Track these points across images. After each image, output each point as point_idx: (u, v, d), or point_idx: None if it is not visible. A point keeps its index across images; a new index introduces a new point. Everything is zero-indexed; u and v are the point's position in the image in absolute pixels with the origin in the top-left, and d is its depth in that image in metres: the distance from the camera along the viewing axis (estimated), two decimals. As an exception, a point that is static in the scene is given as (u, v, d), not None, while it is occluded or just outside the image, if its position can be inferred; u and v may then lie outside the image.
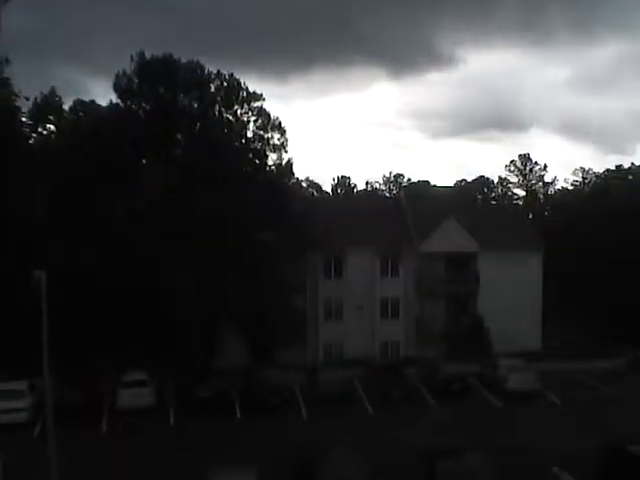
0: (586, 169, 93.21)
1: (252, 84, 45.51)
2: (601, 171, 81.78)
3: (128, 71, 43.38)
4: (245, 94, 44.38)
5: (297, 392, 39.65)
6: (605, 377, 42.32)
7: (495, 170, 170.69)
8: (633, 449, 22.91)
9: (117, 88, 43.64)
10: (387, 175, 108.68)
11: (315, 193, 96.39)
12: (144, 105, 44.05)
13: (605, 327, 57.60)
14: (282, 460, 24.92)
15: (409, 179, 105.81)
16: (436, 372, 40.40)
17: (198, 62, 43.86)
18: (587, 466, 24.41)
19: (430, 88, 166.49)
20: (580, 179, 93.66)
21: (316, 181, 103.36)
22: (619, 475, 22.53)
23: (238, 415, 36.10)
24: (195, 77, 43.70)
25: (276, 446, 29.05)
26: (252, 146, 45.11)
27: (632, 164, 76.39)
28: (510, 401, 37.45)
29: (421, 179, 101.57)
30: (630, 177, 73.69)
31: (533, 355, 46.79)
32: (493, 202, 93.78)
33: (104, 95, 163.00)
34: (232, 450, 28.65)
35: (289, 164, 45.94)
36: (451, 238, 51.06)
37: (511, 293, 50.95)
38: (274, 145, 44.97)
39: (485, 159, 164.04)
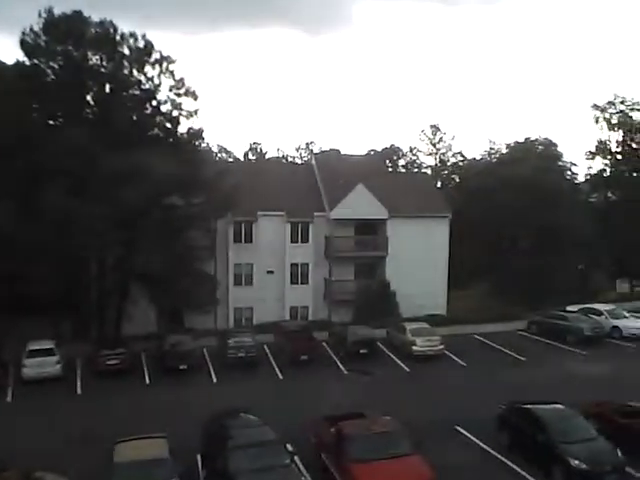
0: (494, 140, 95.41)
1: (159, 44, 44.37)
2: (510, 142, 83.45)
3: (35, 28, 41.77)
4: (160, 56, 43.38)
5: (207, 357, 39.72)
6: (507, 340, 44.00)
7: (406, 139, 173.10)
8: (527, 405, 24.96)
9: (24, 45, 41.96)
10: (299, 142, 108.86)
11: (226, 158, 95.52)
12: (52, 64, 42.55)
13: (508, 291, 59.71)
14: (191, 426, 24.98)
15: (320, 147, 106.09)
16: (345, 336, 40.95)
17: (111, 21, 42.49)
18: (488, 421, 25.86)
19: (342, 49, 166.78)
20: (488, 149, 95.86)
21: (227, 147, 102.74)
22: (512, 426, 24.73)
23: (147, 381, 35.93)
24: (106, 36, 42.36)
25: (185, 412, 29.09)
26: (163, 109, 44.30)
27: (539, 136, 78.42)
28: (417, 364, 38.50)
29: (332, 147, 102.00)
30: (538, 148, 75.50)
31: (439, 319, 48.14)
32: (403, 170, 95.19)
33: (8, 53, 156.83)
34: (141, 416, 28.51)
35: (200, 129, 45.25)
36: (361, 205, 51.71)
37: (419, 259, 52.36)
38: (186, 110, 44.22)
39: (396, 128, 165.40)
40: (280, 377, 36.59)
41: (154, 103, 44.02)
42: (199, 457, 23.25)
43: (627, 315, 46.45)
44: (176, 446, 21.60)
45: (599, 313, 46.19)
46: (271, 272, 51.50)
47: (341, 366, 38.42)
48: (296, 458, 21.73)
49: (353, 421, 22.97)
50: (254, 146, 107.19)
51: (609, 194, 72.10)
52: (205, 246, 45.53)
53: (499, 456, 23.98)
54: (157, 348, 38.88)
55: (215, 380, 36.05)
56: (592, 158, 71.57)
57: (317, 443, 23.72)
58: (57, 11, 41.91)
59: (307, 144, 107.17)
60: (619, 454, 21.86)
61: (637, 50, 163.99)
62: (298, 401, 31.01)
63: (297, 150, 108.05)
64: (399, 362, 39.22)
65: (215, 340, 41.66)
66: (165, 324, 44.58)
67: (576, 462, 21.10)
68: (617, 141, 70.07)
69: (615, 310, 47.05)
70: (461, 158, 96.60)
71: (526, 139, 75.22)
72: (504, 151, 78.84)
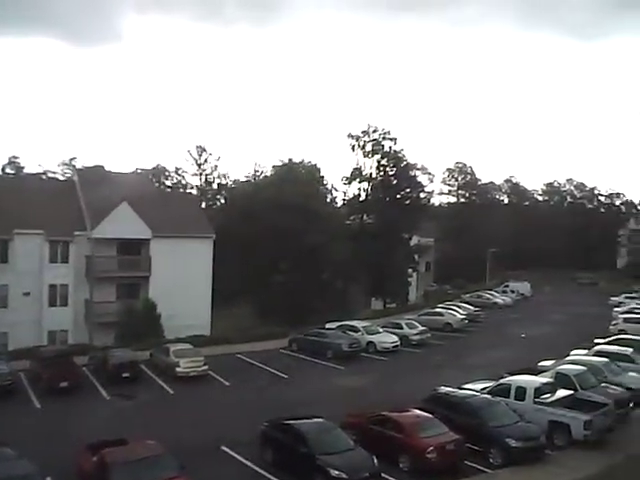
0: (259, 162, 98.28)
1: None
2: (274, 164, 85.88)
3: None
4: None
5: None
6: (270, 358, 45.13)
7: (172, 159, 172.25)
8: (289, 421, 25.78)
9: None
10: (61, 158, 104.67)
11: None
12: None
13: (271, 310, 61.37)
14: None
15: (84, 163, 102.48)
16: (106, 359, 39.81)
17: None
18: (253, 440, 26.28)
19: (109, 63, 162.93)
20: (253, 171, 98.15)
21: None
22: (276, 442, 25.40)
23: None
24: None
25: None
26: None
27: (303, 159, 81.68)
28: (181, 385, 38.31)
29: (97, 163, 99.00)
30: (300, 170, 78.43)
31: (203, 339, 48.32)
32: (168, 190, 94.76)
33: None
34: None
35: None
36: (124, 224, 50.96)
37: (183, 279, 52.54)
38: None
39: (164, 147, 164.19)
40: (38, 406, 34.70)
41: None
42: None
43: (381, 331, 49.70)
44: None
45: (356, 330, 48.85)
46: (27, 294, 49.03)
47: (103, 391, 37.22)
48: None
49: (115, 448, 22.45)
50: (12, 160, 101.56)
51: (365, 217, 76.75)
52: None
53: (264, 473, 24.43)
54: None
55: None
56: (348, 183, 75.89)
57: (79, 473, 22.89)
58: None
59: (70, 160, 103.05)
60: (374, 461, 23.34)
61: (389, 82, 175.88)
62: (58, 430, 29.59)
63: (59, 166, 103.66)
64: (163, 384, 38.80)
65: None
66: None
67: (335, 472, 22.25)
68: (371, 167, 74.89)
69: (370, 326, 50.11)
70: (227, 179, 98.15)
71: (289, 161, 78.07)
72: (269, 173, 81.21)
